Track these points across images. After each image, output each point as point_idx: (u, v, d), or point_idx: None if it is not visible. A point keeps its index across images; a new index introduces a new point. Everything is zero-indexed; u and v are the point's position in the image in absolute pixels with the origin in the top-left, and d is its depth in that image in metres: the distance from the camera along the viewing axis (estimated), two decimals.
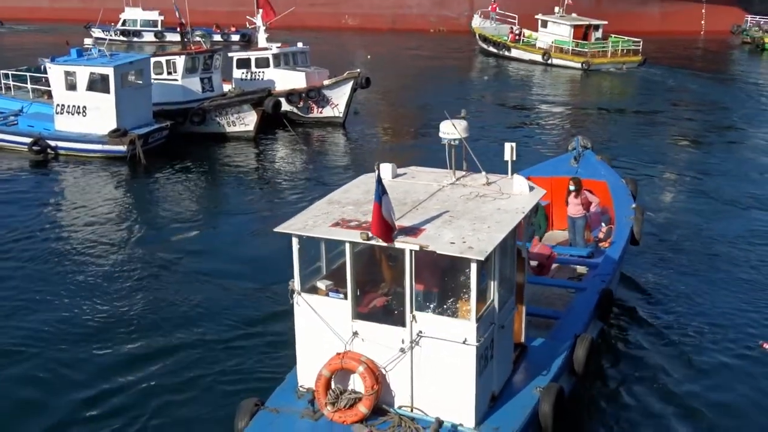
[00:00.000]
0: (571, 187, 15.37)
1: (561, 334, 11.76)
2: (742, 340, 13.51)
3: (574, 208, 15.42)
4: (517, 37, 53.59)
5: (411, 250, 9.27)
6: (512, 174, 11.27)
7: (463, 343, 9.33)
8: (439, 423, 9.56)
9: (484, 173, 11.31)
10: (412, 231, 9.53)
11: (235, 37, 60.53)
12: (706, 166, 26.28)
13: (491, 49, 55.14)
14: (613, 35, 49.82)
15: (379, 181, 9.04)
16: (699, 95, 40.98)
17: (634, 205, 16.09)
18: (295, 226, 9.93)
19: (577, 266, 14.73)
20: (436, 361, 9.55)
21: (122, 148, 26.44)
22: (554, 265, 14.09)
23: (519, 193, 10.84)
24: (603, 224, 16.13)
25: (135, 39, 59.43)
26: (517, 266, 10.72)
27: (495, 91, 42.49)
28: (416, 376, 9.70)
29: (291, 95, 32.20)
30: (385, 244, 9.33)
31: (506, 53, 53.54)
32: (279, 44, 34.13)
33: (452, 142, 11.24)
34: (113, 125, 26.63)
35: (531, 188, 11.00)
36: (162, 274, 17.39)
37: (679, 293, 15.50)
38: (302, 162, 28.04)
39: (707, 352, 13.17)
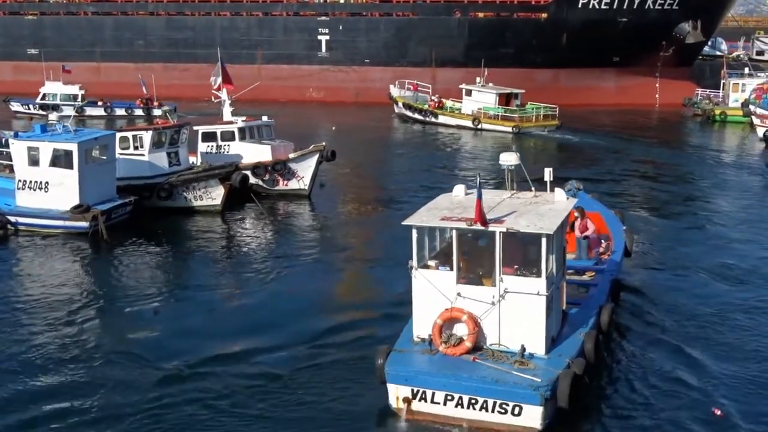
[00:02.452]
0: (576, 215, 19.30)
1: (589, 306, 16.41)
2: (712, 312, 18.83)
3: (579, 231, 19.71)
4: (436, 105, 57.53)
5: (500, 232, 13.79)
6: (552, 189, 16.23)
7: (537, 294, 13.76)
8: (522, 350, 13.63)
9: (533, 189, 16.19)
10: (498, 221, 14.07)
11: (158, 112, 60.10)
12: (665, 200, 32.95)
13: (416, 116, 58.36)
14: (529, 102, 54.51)
15: (480, 186, 14.02)
16: (645, 155, 43.43)
17: (624, 228, 21.05)
18: (415, 221, 14.46)
19: (584, 275, 18.76)
20: (517, 309, 13.84)
21: (84, 224, 25.87)
22: (569, 271, 17.63)
23: (561, 200, 15.79)
24: (602, 242, 20.37)
25: (54, 113, 58.42)
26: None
27: (460, 155, 45.16)
28: (503, 322, 13.94)
29: (257, 168, 31.95)
30: (482, 228, 13.83)
31: (433, 119, 57.07)
32: (244, 118, 34.01)
33: (510, 168, 16.17)
34: (76, 201, 26.11)
35: (567, 198, 16.17)
36: (123, 351, 16.87)
37: (662, 287, 20.80)
38: (269, 235, 27.68)
39: (682, 320, 18.52)
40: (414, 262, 14.29)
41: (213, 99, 35.92)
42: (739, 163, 42.02)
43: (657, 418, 13.78)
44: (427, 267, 14.40)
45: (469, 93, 55.87)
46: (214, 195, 29.38)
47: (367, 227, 28.79)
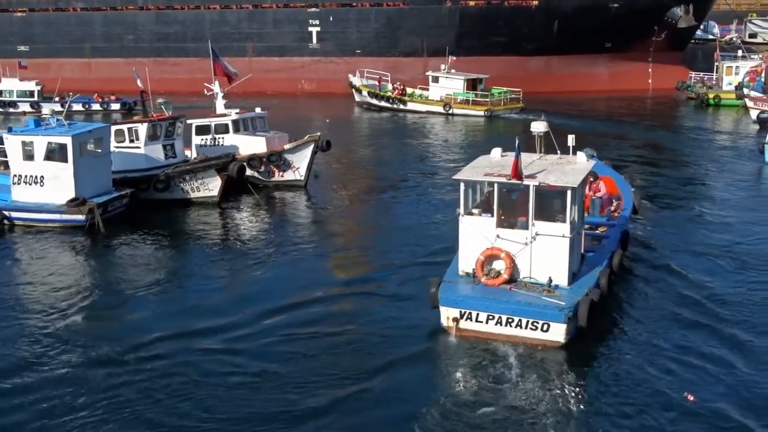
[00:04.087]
0: (591, 179, 21.45)
1: (603, 251, 19.25)
2: (705, 260, 21.96)
3: (593, 192, 22.20)
4: (400, 93, 59.39)
5: (533, 185, 16.72)
6: (575, 152, 19.13)
7: (562, 236, 16.75)
8: (549, 282, 16.74)
9: (559, 153, 19.12)
10: (530, 176, 16.90)
11: (115, 106, 60.01)
12: (663, 175, 34.88)
13: (383, 104, 59.88)
14: (493, 87, 57.00)
15: (518, 147, 16.62)
16: (640, 138, 43.21)
17: (633, 189, 24.20)
18: (463, 176, 17.63)
19: (598, 229, 21.26)
20: (546, 249, 16.84)
21: (80, 217, 25.88)
22: (586, 226, 19.84)
23: (582, 161, 18.71)
24: (614, 201, 22.94)
25: (11, 110, 58.10)
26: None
27: (441, 140, 46.91)
28: (533, 259, 16.93)
29: (252, 160, 31.98)
30: (518, 182, 16.64)
31: (401, 106, 58.83)
32: (238, 110, 34.03)
33: (539, 134, 18.92)
34: (71, 194, 26.12)
35: (587, 159, 19.09)
36: (120, 343, 16.97)
37: (663, 239, 24.07)
38: (266, 226, 27.70)
39: (680, 265, 21.57)
40: (461, 210, 17.41)
41: (206, 92, 35.89)
42: (733, 146, 42.19)
43: (656, 339, 16.88)
44: (471, 214, 17.48)
45: (436, 80, 57.81)
46: (211, 186, 29.41)
47: (363, 215, 28.94)
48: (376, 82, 62.34)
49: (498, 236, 17.08)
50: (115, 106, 59.96)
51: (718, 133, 48.07)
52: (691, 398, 14.05)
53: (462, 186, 17.47)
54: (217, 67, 35.51)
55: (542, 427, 13.41)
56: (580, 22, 65.57)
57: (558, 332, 16.09)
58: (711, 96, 59.15)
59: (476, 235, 17.20)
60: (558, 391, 14.58)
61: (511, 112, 55.68)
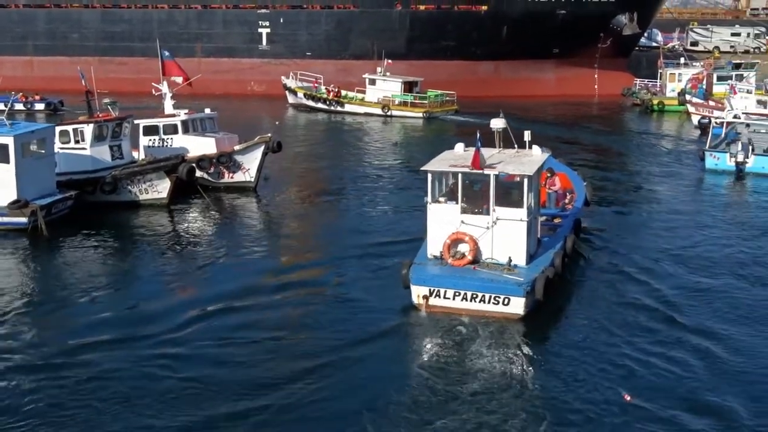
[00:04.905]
0: (547, 174, 23.84)
1: (557, 236, 21.13)
2: (645, 245, 24.45)
3: (549, 186, 24.07)
4: (335, 95, 60.24)
5: (494, 175, 18.44)
6: (530, 146, 20.68)
7: (520, 220, 18.48)
8: (509, 261, 18.35)
9: (516, 147, 20.58)
10: (490, 167, 18.59)
11: (40, 106, 58.83)
12: (609, 175, 36.36)
13: (319, 105, 60.68)
14: (429, 90, 58.31)
15: (479, 140, 18.56)
16: (587, 141, 43.98)
17: (585, 183, 26.11)
18: (430, 167, 19.17)
19: (554, 220, 23.06)
20: (506, 232, 18.49)
21: (23, 219, 25.27)
22: (542, 218, 21.91)
23: (537, 154, 20.50)
24: (567, 195, 24.74)
25: None
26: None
27: (385, 141, 48.18)
28: (495, 242, 18.57)
29: (201, 161, 31.57)
30: (479, 171, 18.43)
31: (339, 108, 59.64)
32: (187, 111, 33.59)
33: (498, 130, 20.21)
34: (13, 196, 25.46)
35: (542, 152, 20.76)
36: (59, 348, 16.62)
37: (611, 227, 26.48)
38: (216, 228, 27.39)
39: (624, 249, 24.08)
40: (429, 198, 19.09)
41: (154, 92, 35.39)
42: (676, 151, 43.18)
43: (602, 313, 18.67)
44: (438, 202, 19.16)
45: (373, 82, 58.77)
46: (160, 188, 28.92)
47: (313, 216, 28.96)
48: (312, 84, 62.73)
49: (462, 222, 18.70)
50: (40, 106, 58.48)
51: (662, 137, 49.22)
52: (628, 398, 14.45)
53: (429, 177, 19.04)
54: (169, 66, 34.97)
55: (504, 390, 14.91)
56: (529, 28, 66.47)
57: (517, 305, 17.78)
58: (655, 102, 60.48)
59: (442, 221, 18.85)
60: (517, 358, 16.22)
61: (447, 113, 57.45)
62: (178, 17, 73.12)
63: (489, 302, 17.86)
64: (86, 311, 18.94)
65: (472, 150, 19.05)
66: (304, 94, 62.04)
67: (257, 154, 32.10)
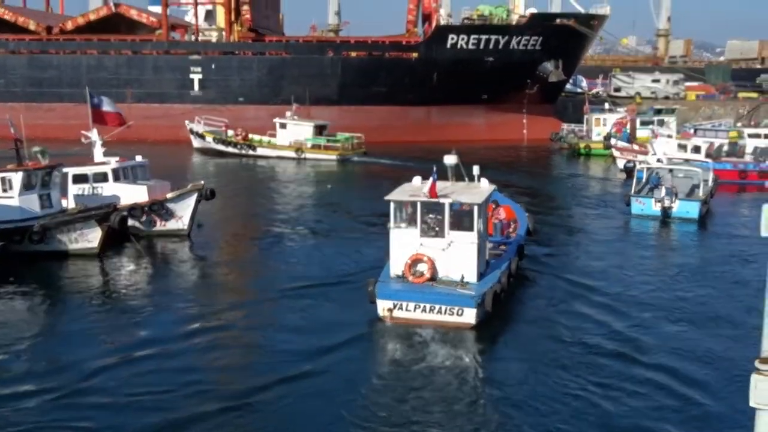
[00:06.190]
0: (494, 206, 26.43)
1: (503, 258, 23.83)
2: (579, 266, 27.88)
3: (495, 217, 26.38)
4: (243, 138, 61.15)
5: (449, 203, 21.05)
6: (479, 180, 23.32)
7: (471, 243, 21.06)
8: (462, 278, 20.89)
9: (467, 180, 23.31)
10: (445, 196, 21.14)
11: None
12: (544, 216, 36.15)
13: (229, 149, 61.20)
14: (338, 132, 60.32)
15: (435, 174, 21.24)
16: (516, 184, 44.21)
17: (527, 214, 28.97)
18: (393, 197, 21.65)
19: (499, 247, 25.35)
20: (459, 253, 21.01)
21: None
22: (489, 245, 24.03)
23: (486, 186, 23.15)
24: (511, 224, 27.34)
25: None
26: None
27: (307, 183, 49.84)
28: (449, 262, 21.06)
29: (133, 209, 31.15)
30: (435, 200, 20.99)
31: (250, 152, 60.54)
32: (117, 158, 33.18)
33: (450, 165, 22.77)
34: None
35: (490, 184, 23.33)
36: None
37: (548, 256, 29.27)
38: (148, 278, 26.90)
39: (562, 270, 27.50)
40: (392, 224, 21.64)
41: (83, 139, 34.82)
42: (603, 194, 44.56)
43: (542, 322, 21.45)
44: (399, 227, 21.64)
45: (284, 126, 60.06)
46: (91, 237, 28.40)
47: (247, 261, 28.98)
48: (222, 128, 63.18)
49: (421, 244, 21.21)
50: None
51: (590, 180, 50.82)
52: None
53: (392, 205, 21.66)
54: (100, 114, 34.58)
55: (459, 388, 17.05)
56: (458, 74, 68.06)
57: (470, 316, 20.35)
58: (582, 146, 62.35)
59: (403, 244, 21.34)
60: (469, 362, 18.75)
61: (356, 155, 59.14)
62: (108, 62, 72.59)
63: (445, 313, 20.39)
64: (7, 367, 18.26)
65: (427, 182, 21.47)
66: (214, 138, 62.41)
67: (190, 201, 31.87)
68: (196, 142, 63.54)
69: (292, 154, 59.07)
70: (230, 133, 62.54)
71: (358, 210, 38.33)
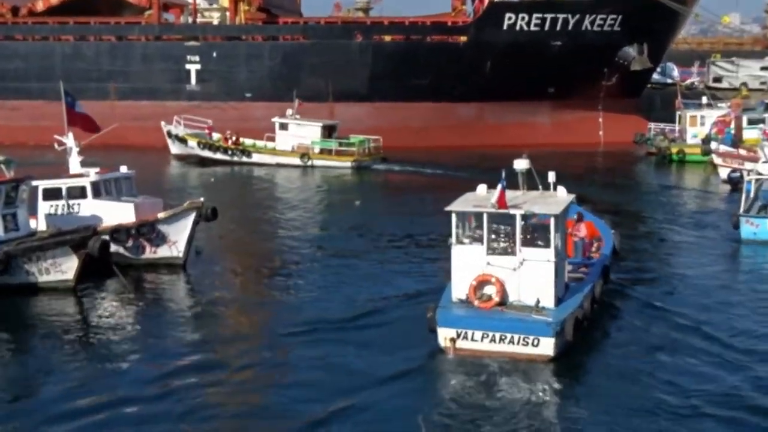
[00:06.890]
0: (575, 218, 27.27)
1: (586, 281, 24.49)
2: (673, 294, 28.23)
3: (576, 235, 26.99)
4: (234, 143, 62.07)
5: (520, 214, 21.73)
6: (555, 188, 24.23)
7: (547, 261, 21.68)
8: (537, 302, 21.33)
9: (540, 188, 24.13)
10: (516, 207, 21.94)
11: None
12: (626, 210, 40.32)
13: (218, 156, 61.93)
14: (351, 135, 60.67)
15: (503, 180, 21.85)
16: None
17: (613, 231, 29.70)
18: (454, 207, 22.49)
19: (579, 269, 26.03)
20: (533, 273, 21.64)
21: None
22: (569, 267, 24.78)
23: (563, 195, 23.99)
24: (594, 243, 27.96)
25: None
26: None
27: (312, 196, 50.81)
28: (522, 284, 21.70)
29: (117, 233, 31.25)
30: (504, 211, 21.66)
31: (244, 159, 61.10)
32: (98, 169, 33.40)
33: (522, 171, 23.53)
34: None
35: (568, 194, 24.09)
36: None
37: (639, 282, 29.59)
38: (134, 318, 26.84)
39: (653, 297, 27.65)
40: (453, 240, 22.34)
41: (56, 146, 35.14)
42: (703, 211, 44.27)
43: (633, 356, 22.19)
44: (462, 243, 22.36)
45: (284, 127, 60.43)
46: (65, 268, 28.55)
47: (252, 302, 28.83)
48: (206, 131, 63.73)
49: (488, 263, 21.85)
50: None
51: (684, 193, 50.81)
52: None
53: (454, 217, 22.37)
54: (73, 115, 34.94)
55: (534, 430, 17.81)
56: (518, 63, 67.65)
57: (547, 346, 20.81)
58: (674, 151, 61.62)
59: (468, 263, 22.01)
60: (545, 401, 19.35)
61: (376, 162, 59.82)
62: (87, 51, 73.53)
63: (518, 343, 20.99)
64: None
65: (495, 191, 22.09)
66: (198, 143, 63.10)
67: (187, 223, 31.90)
68: (175, 148, 64.37)
69: (295, 160, 59.55)
70: (215, 136, 63.10)
71: (390, 230, 38.40)
